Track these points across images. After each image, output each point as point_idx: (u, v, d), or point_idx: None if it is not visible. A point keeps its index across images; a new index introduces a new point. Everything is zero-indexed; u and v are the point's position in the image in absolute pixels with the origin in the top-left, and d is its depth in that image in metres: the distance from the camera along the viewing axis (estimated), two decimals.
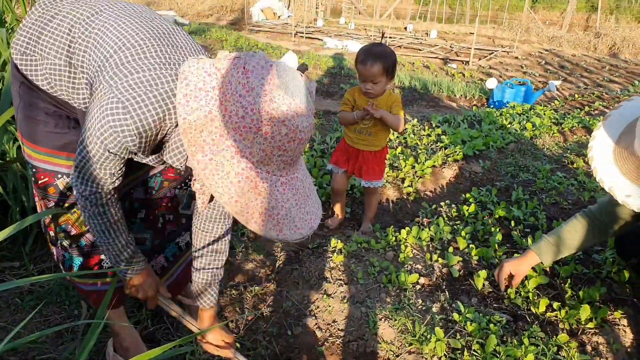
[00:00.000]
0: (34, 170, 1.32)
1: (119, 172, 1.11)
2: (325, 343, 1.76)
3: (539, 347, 1.68)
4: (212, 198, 1.16)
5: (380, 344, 1.73)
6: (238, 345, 1.70)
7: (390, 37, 10.58)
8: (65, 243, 1.39)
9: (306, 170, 1.08)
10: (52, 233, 1.41)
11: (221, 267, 1.41)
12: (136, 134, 0.98)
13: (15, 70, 1.23)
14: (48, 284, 1.93)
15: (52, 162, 1.29)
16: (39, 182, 1.32)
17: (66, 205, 1.34)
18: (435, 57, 9.57)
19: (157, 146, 1.09)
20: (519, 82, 6.29)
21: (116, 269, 1.29)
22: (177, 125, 1.04)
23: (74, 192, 1.15)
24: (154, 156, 1.12)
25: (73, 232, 1.37)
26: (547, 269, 2.12)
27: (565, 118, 4.81)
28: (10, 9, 2.23)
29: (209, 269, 1.38)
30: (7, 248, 2.11)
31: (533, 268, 2.09)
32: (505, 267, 1.88)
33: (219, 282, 1.43)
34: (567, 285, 2.02)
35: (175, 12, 13.22)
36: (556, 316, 1.88)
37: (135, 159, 1.11)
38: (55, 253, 1.45)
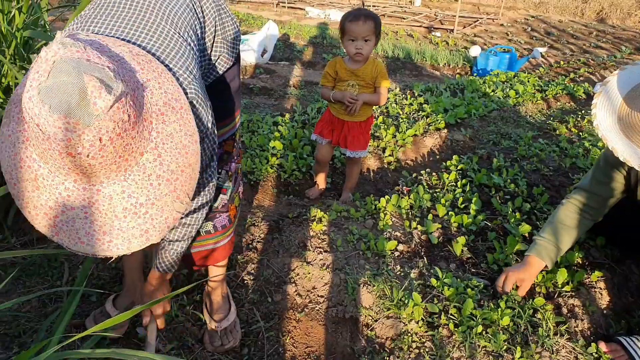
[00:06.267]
0: None
1: None
2: (305, 309, 1.77)
3: (515, 310, 1.70)
4: None
5: (359, 309, 1.74)
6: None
7: (373, 6, 10.40)
8: None
9: (145, 196, 0.92)
10: None
11: (188, 239, 1.34)
12: None
13: None
14: (30, 256, 1.90)
15: None
16: None
17: None
18: (419, 26, 9.44)
19: None
20: (503, 49, 6.23)
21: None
22: None
23: None
24: None
25: None
26: (526, 234, 2.13)
27: (550, 85, 4.80)
28: None
29: (172, 240, 1.31)
30: None
31: (513, 234, 2.10)
32: (510, 277, 1.75)
33: (180, 254, 1.37)
34: None
35: None
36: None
37: None
38: None
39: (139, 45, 1.01)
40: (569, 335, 1.66)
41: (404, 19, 9.88)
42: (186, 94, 1.01)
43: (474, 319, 1.66)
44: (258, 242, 2.11)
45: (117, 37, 0.99)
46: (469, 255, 2.06)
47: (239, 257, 2.00)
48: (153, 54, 1.01)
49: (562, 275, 1.85)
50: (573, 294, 1.83)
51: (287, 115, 3.48)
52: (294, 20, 8.97)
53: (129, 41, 1.00)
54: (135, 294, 1.58)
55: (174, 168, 0.93)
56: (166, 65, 1.01)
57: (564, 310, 1.77)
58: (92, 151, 0.79)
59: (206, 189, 1.22)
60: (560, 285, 1.86)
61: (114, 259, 0.99)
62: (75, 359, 1.12)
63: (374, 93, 2.36)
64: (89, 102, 0.76)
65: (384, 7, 10.86)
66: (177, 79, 1.01)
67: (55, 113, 0.76)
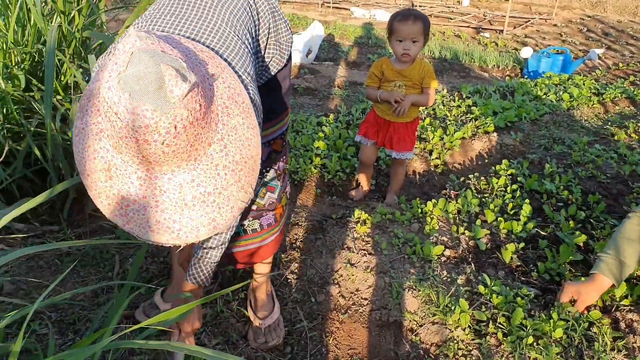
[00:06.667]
0: None
1: None
2: (349, 311, 1.75)
3: (568, 323, 1.63)
4: None
5: (403, 313, 1.71)
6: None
7: (420, 6, 10.26)
8: None
9: (212, 185, 0.94)
10: None
11: (224, 245, 1.30)
12: None
13: None
14: (84, 247, 1.99)
15: None
16: None
17: None
18: (468, 26, 9.23)
19: None
20: (557, 50, 5.99)
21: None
22: None
23: None
24: None
25: None
26: (581, 244, 2.04)
27: (607, 88, 4.57)
28: None
29: (209, 247, 1.28)
30: (47, 212, 2.17)
31: (567, 243, 2.01)
32: (567, 289, 1.70)
33: (215, 263, 1.33)
34: None
35: None
36: None
37: None
38: None
39: (203, 44, 1.03)
40: (627, 352, 1.57)
41: (451, 19, 9.69)
42: None
43: (524, 329, 1.60)
44: (301, 241, 2.12)
45: (182, 36, 1.03)
46: (519, 263, 1.99)
47: (282, 256, 2.01)
48: (216, 53, 1.04)
49: (620, 289, 1.75)
50: (632, 308, 1.73)
51: (331, 116, 3.48)
52: (339, 20, 8.97)
53: (193, 39, 1.03)
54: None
55: (239, 159, 0.96)
56: (228, 64, 1.04)
57: (622, 325, 1.68)
58: (167, 138, 0.82)
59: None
60: (618, 299, 1.76)
61: (181, 247, 1.01)
62: (128, 349, 1.16)
63: (421, 94, 2.32)
64: (166, 90, 0.79)
65: (431, 7, 10.70)
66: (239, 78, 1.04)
67: (135, 100, 0.79)
